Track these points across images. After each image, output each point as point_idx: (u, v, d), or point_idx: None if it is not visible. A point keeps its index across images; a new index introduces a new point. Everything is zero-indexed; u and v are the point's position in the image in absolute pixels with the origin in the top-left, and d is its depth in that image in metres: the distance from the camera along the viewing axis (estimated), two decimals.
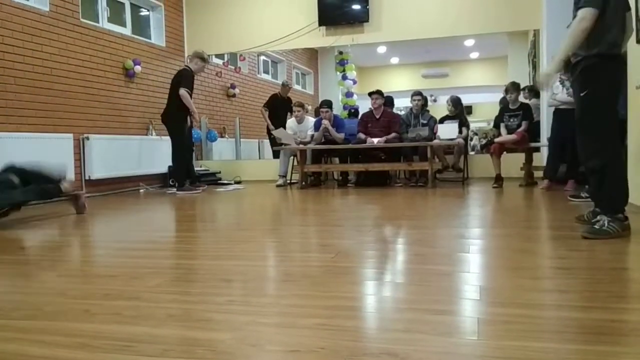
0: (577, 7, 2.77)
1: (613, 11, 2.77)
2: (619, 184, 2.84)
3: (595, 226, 2.81)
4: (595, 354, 1.32)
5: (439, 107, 9.03)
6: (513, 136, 6.07)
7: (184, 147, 6.63)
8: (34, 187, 4.00)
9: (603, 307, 1.70)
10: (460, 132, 6.80)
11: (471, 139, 7.16)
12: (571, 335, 1.46)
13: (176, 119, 6.49)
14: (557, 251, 2.67)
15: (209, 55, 7.19)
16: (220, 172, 8.08)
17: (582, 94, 2.84)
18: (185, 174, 6.68)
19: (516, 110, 6.15)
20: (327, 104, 7.21)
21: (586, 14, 2.73)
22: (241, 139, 9.44)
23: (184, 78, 6.42)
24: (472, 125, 7.80)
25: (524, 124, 6.03)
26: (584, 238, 2.76)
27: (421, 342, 1.41)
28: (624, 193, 2.86)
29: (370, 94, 6.98)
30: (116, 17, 7.13)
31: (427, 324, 1.55)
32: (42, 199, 3.95)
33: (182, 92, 6.30)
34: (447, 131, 6.63)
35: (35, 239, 3.50)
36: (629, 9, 2.92)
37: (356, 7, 7.79)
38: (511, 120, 6.17)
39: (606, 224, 2.78)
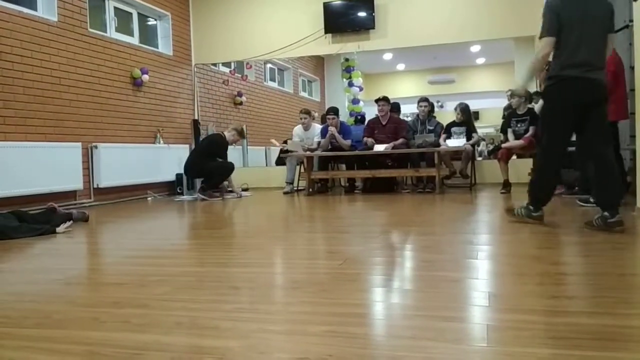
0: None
1: (565, 37, 3.20)
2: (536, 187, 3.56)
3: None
4: None
5: (446, 113, 9.02)
6: (520, 141, 6.05)
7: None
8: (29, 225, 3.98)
9: (612, 313, 1.69)
10: (469, 138, 6.79)
11: (478, 145, 7.12)
12: (580, 342, 1.44)
13: (206, 166, 6.77)
14: (565, 257, 2.66)
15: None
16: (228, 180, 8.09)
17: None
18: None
19: (523, 115, 6.13)
20: (334, 110, 7.22)
21: (543, 43, 3.25)
22: (248, 147, 9.47)
23: (223, 150, 6.88)
24: (479, 131, 7.77)
25: (531, 129, 6.01)
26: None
27: (430, 349, 1.41)
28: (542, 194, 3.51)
29: (377, 101, 6.98)
30: (124, 26, 7.19)
31: (436, 331, 1.55)
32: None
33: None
34: (455, 144, 6.65)
35: (44, 247, 3.52)
36: (610, 30, 3.28)
37: (362, 14, 7.82)
38: (518, 125, 6.15)
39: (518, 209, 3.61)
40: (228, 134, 6.97)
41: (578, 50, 3.19)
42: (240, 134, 7.10)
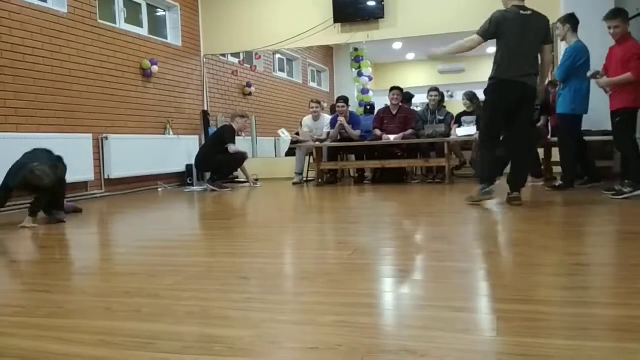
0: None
1: (505, 46, 3.91)
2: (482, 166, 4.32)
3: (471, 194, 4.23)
4: (617, 351, 1.30)
5: (456, 103, 8.96)
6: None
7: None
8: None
9: (625, 303, 1.68)
10: (478, 128, 6.73)
11: None
12: (593, 333, 1.43)
13: (216, 158, 6.84)
14: (577, 247, 2.64)
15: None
16: (237, 171, 8.11)
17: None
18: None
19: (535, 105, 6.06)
20: (344, 99, 7.19)
21: (474, 38, 3.96)
22: (257, 137, 9.47)
23: (230, 136, 6.89)
24: None
25: (542, 119, 5.95)
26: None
27: (440, 340, 1.40)
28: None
29: (391, 90, 6.93)
30: (133, 18, 7.19)
31: (446, 321, 1.54)
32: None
33: (233, 147, 6.84)
34: (465, 132, 6.59)
35: (56, 237, 3.55)
36: (548, 42, 4.07)
37: (371, 3, 7.75)
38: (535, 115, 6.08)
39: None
40: (235, 124, 7.02)
41: (516, 57, 3.90)
42: (243, 116, 7.20)
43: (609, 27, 4.33)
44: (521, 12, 3.91)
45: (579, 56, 4.78)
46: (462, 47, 4.05)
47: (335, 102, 7.57)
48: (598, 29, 4.76)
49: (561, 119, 4.99)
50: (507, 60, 3.91)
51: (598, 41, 4.86)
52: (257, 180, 7.43)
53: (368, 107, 9.41)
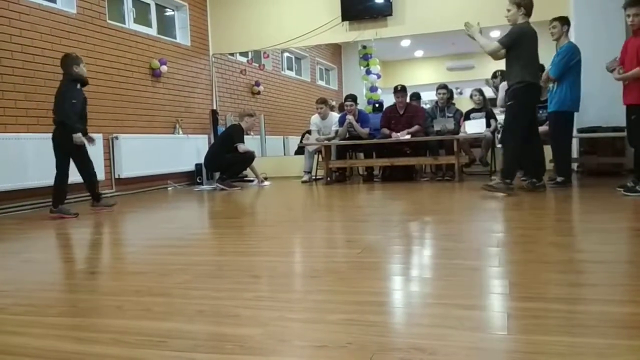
0: None
1: (525, 52, 4.46)
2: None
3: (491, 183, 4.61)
4: (629, 348, 1.29)
5: (465, 100, 8.93)
6: (544, 127, 5.95)
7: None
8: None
9: (635, 301, 1.67)
10: (488, 125, 6.71)
11: (498, 132, 7.04)
12: (604, 330, 1.43)
13: (225, 158, 6.90)
14: (588, 244, 2.63)
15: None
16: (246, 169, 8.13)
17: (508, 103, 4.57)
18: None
19: (545, 101, 6.03)
20: (352, 97, 7.18)
21: (498, 46, 4.53)
22: (266, 136, 9.49)
23: (239, 135, 6.91)
24: (499, 118, 7.69)
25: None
26: (482, 189, 4.60)
27: (449, 338, 1.40)
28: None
29: (395, 92, 6.90)
30: (142, 17, 7.22)
31: (456, 319, 1.54)
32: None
33: (242, 147, 6.88)
34: (474, 127, 6.56)
35: (67, 237, 3.58)
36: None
37: (379, 1, 7.73)
38: (540, 112, 6.04)
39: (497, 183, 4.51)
40: (244, 124, 7.04)
41: (533, 62, 4.52)
42: (251, 115, 7.21)
43: (628, 16, 4.19)
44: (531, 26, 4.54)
45: (573, 55, 4.85)
46: (487, 47, 4.60)
47: (343, 101, 7.56)
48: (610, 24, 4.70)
49: (555, 116, 4.98)
50: (528, 64, 4.44)
51: (604, 35, 4.80)
52: (266, 178, 7.44)
53: (377, 105, 9.39)
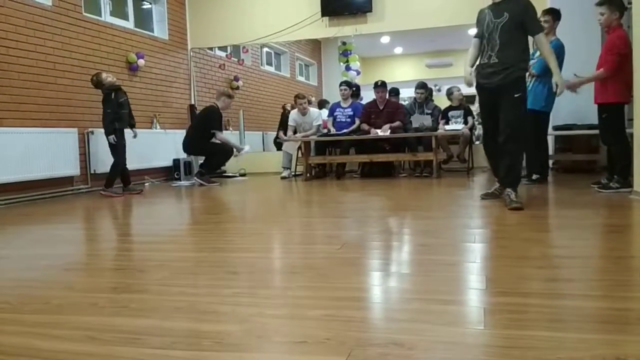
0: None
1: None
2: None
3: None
4: (601, 342, 1.32)
5: (444, 97, 9.01)
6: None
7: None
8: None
9: (609, 295, 1.70)
10: (465, 122, 6.77)
11: (475, 129, 7.12)
12: (577, 324, 1.45)
13: (204, 145, 6.86)
14: (562, 240, 2.67)
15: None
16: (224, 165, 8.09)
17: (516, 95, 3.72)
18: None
19: None
20: (347, 83, 7.22)
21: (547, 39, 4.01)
22: (245, 131, 9.44)
23: (216, 121, 6.79)
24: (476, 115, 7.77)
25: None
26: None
27: (427, 332, 1.42)
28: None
29: (375, 87, 6.91)
30: (118, 10, 7.11)
31: (433, 314, 1.56)
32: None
33: (220, 135, 6.83)
34: (452, 127, 6.64)
35: (42, 233, 3.52)
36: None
37: None
38: None
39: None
40: (220, 103, 6.91)
41: None
42: (229, 96, 7.11)
43: (600, 14, 4.22)
44: None
45: (560, 54, 4.67)
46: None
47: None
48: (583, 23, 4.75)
49: (532, 115, 4.80)
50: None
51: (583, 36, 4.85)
52: (244, 174, 7.39)
53: (354, 89, 9.26)
